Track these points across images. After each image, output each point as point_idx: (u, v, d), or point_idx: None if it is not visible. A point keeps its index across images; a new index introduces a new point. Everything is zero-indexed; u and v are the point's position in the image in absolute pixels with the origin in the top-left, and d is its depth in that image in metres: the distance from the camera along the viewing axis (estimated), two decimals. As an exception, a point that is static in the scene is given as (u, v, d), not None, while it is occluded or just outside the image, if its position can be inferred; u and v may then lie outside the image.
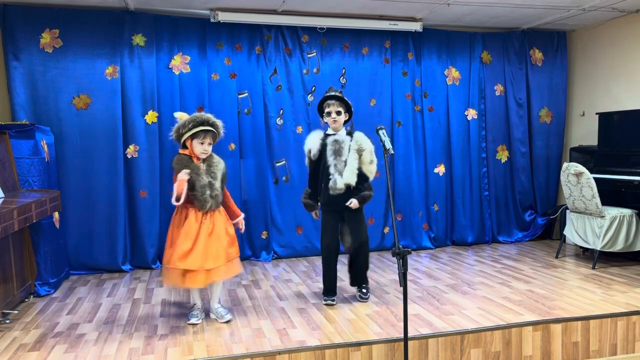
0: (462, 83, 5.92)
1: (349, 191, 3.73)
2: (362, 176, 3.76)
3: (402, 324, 3.33)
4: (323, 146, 3.79)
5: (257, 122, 5.36)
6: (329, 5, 5.02)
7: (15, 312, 3.67)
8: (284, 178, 5.47)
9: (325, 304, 3.85)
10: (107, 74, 4.90)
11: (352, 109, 3.86)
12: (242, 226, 3.72)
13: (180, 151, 3.49)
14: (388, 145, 3.33)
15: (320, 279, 4.57)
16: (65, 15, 4.79)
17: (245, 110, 5.34)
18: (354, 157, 3.73)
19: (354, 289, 4.12)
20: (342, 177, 3.70)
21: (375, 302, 3.89)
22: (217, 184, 3.45)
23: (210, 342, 3.15)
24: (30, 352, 3.07)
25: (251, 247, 5.44)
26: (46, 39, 4.76)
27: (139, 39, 4.97)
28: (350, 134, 3.82)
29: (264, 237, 5.43)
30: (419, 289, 4.24)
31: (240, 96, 5.32)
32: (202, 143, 3.40)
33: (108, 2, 4.77)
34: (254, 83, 5.34)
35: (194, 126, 3.38)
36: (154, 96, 5.02)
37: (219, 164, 3.52)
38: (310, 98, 5.49)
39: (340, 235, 3.92)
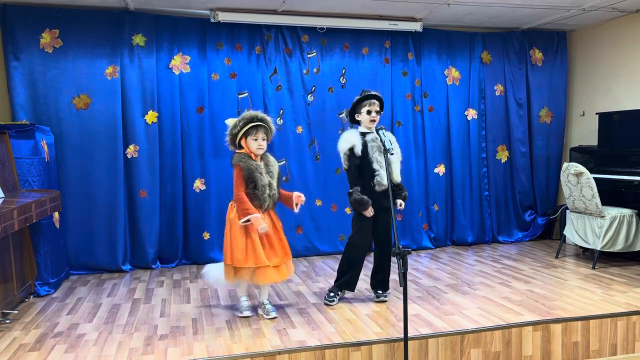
0: (462, 83, 5.93)
1: (389, 189, 3.73)
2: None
3: (402, 324, 3.32)
4: (364, 144, 3.79)
5: (257, 122, 5.35)
6: (329, 5, 5.02)
7: (15, 312, 3.67)
8: (284, 178, 5.46)
9: (325, 304, 3.84)
10: (107, 74, 4.90)
11: (383, 109, 3.97)
12: (302, 199, 3.66)
13: (237, 151, 3.55)
14: (388, 145, 3.34)
15: (320, 279, 4.58)
16: (65, 15, 4.79)
17: (245, 110, 5.33)
18: (395, 156, 3.76)
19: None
20: (391, 175, 3.68)
21: (375, 302, 3.89)
22: (275, 183, 3.55)
23: (210, 342, 3.15)
24: (30, 352, 3.07)
25: (251, 247, 5.44)
26: (46, 39, 4.76)
27: (139, 39, 4.98)
28: (377, 132, 3.80)
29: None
30: (419, 289, 4.24)
31: (240, 96, 5.32)
32: (255, 139, 3.48)
33: (108, 2, 4.77)
34: (254, 83, 5.34)
35: (245, 124, 3.47)
36: (154, 96, 5.02)
37: (275, 164, 3.63)
38: (310, 98, 5.49)
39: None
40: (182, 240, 5.21)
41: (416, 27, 5.50)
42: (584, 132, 6.07)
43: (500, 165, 6.09)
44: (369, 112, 3.82)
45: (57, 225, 4.53)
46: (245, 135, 3.48)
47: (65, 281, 4.68)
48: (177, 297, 4.13)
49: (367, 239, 3.86)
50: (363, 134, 3.84)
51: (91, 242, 4.93)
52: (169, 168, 5.14)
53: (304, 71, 5.48)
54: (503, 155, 6.09)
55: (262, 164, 3.53)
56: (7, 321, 3.53)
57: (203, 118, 5.19)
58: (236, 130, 3.49)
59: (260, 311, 3.67)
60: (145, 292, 4.32)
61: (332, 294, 3.89)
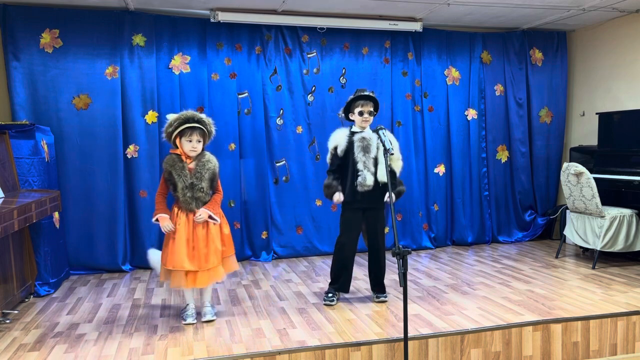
0: (462, 83, 5.92)
1: (376, 189, 3.74)
2: (391, 172, 3.77)
3: (402, 324, 3.33)
4: (350, 143, 3.79)
5: (257, 122, 5.36)
6: (329, 5, 5.02)
7: (15, 312, 3.67)
8: (284, 178, 5.47)
9: (325, 304, 3.84)
10: (107, 74, 4.90)
11: (379, 109, 3.93)
12: (198, 218, 3.40)
13: (171, 151, 3.47)
14: (388, 145, 3.34)
15: (320, 279, 4.58)
16: (65, 15, 4.79)
17: (245, 110, 5.34)
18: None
19: (353, 289, 4.13)
20: (376, 174, 3.71)
21: (375, 302, 3.89)
22: (203, 184, 3.42)
23: (210, 342, 3.15)
24: (30, 352, 3.07)
25: (251, 247, 5.44)
26: (46, 39, 4.76)
27: (139, 39, 4.98)
28: (376, 131, 3.81)
29: (264, 237, 5.43)
30: (419, 289, 4.24)
31: (240, 96, 5.32)
32: (189, 140, 3.38)
33: (108, 2, 4.77)
34: (254, 83, 5.34)
35: (180, 124, 3.36)
36: (154, 96, 5.02)
37: (208, 163, 3.47)
38: (310, 98, 5.49)
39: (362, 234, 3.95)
40: (182, 240, 5.21)
41: (416, 27, 5.50)
42: (584, 132, 6.07)
43: (500, 165, 6.09)
44: (360, 113, 3.80)
45: (57, 225, 4.53)
46: (180, 135, 3.37)
47: (65, 281, 4.68)
48: (177, 297, 4.13)
49: (353, 239, 3.84)
50: (352, 133, 3.83)
51: (91, 242, 4.93)
52: (168, 168, 5.13)
53: (304, 71, 5.47)
54: (503, 155, 6.09)
55: (192, 164, 3.42)
56: (7, 321, 3.52)
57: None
58: (170, 129, 3.40)
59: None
60: (145, 292, 4.32)
61: (330, 295, 3.88)
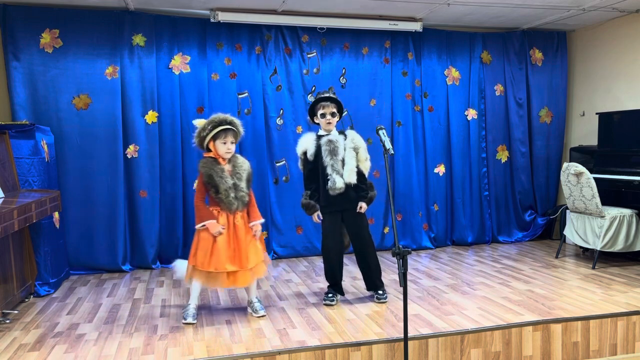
0: (462, 83, 5.92)
1: (349, 190, 3.74)
2: (359, 174, 3.79)
3: (402, 324, 3.33)
4: (318, 147, 3.79)
5: (257, 122, 5.36)
6: (329, 5, 5.02)
7: (15, 312, 3.67)
8: (284, 178, 5.47)
9: (325, 304, 3.84)
10: (107, 74, 4.90)
11: (343, 109, 3.92)
12: (258, 232, 3.62)
13: (205, 154, 3.54)
14: (388, 145, 3.34)
15: (321, 279, 4.58)
16: (65, 15, 4.79)
17: (245, 111, 5.34)
18: (352, 156, 3.76)
19: (353, 289, 4.12)
20: (343, 177, 3.72)
21: (375, 302, 3.89)
22: (242, 185, 3.52)
23: (210, 342, 3.15)
24: (30, 352, 3.07)
25: (251, 247, 5.44)
26: (46, 39, 4.76)
27: (139, 39, 4.98)
28: (342, 133, 3.85)
29: (264, 237, 5.43)
30: (419, 289, 4.24)
31: (240, 96, 5.32)
32: (224, 143, 3.47)
33: (108, 2, 4.77)
34: (254, 83, 5.34)
35: (214, 127, 3.45)
36: (154, 96, 5.02)
37: (244, 164, 3.59)
38: (310, 98, 5.49)
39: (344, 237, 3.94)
40: (182, 240, 5.21)
41: (416, 27, 5.50)
42: (584, 132, 6.07)
43: (500, 165, 6.09)
44: (323, 115, 3.79)
45: (57, 225, 4.53)
46: (214, 138, 3.46)
47: (65, 281, 4.68)
48: (177, 297, 4.13)
49: (336, 241, 3.85)
50: (319, 137, 3.83)
51: (91, 242, 4.93)
52: (169, 168, 5.14)
53: (304, 71, 5.48)
54: (503, 155, 6.09)
55: (228, 166, 3.51)
56: (7, 321, 3.53)
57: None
58: (205, 133, 3.47)
59: (249, 309, 3.69)
60: (145, 292, 4.32)
61: (330, 295, 3.88)
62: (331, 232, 3.83)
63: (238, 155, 3.63)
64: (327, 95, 3.82)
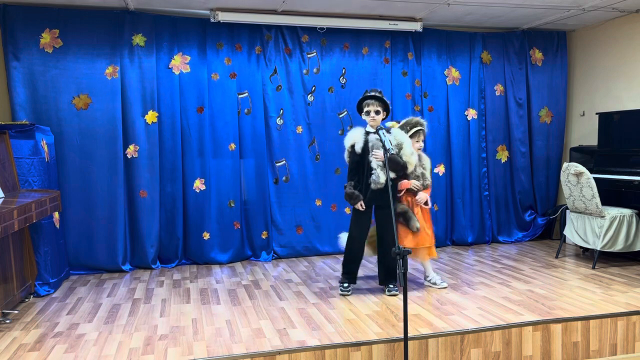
0: (462, 83, 5.92)
1: (386, 187, 3.80)
2: (404, 166, 3.99)
3: (402, 324, 3.32)
4: (365, 142, 3.95)
5: (257, 122, 5.36)
6: (329, 5, 5.02)
7: (15, 312, 3.67)
8: (284, 178, 5.47)
9: (341, 294, 4.00)
10: (107, 74, 4.90)
11: (390, 108, 4.11)
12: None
13: None
14: (388, 145, 3.37)
15: (321, 279, 4.59)
16: (65, 15, 4.79)
17: (245, 110, 5.34)
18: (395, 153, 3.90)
19: (353, 289, 4.13)
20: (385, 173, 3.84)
21: (375, 302, 3.89)
22: (427, 174, 4.29)
23: (210, 342, 3.15)
24: (30, 352, 3.07)
25: (251, 247, 5.44)
26: (46, 39, 4.76)
27: (139, 39, 4.97)
28: (388, 130, 3.98)
29: (264, 237, 5.43)
30: (419, 289, 4.24)
31: (240, 96, 5.32)
32: (417, 141, 4.17)
33: (108, 2, 4.77)
34: (254, 83, 5.34)
35: (412, 127, 4.14)
36: (154, 96, 5.02)
37: (427, 159, 4.35)
38: (310, 98, 5.49)
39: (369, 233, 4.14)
40: (182, 240, 5.21)
41: (416, 27, 5.49)
42: (584, 132, 6.07)
43: (500, 165, 6.09)
44: (367, 113, 3.97)
45: (57, 225, 4.53)
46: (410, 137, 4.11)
47: (65, 281, 4.68)
48: (177, 297, 4.13)
49: (363, 233, 4.04)
50: (367, 133, 3.99)
51: (91, 242, 4.93)
52: (169, 168, 5.14)
53: (304, 71, 5.47)
54: (503, 155, 6.09)
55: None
56: (7, 321, 3.53)
57: (203, 118, 5.19)
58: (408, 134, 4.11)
59: (427, 283, 4.26)
60: (145, 292, 4.32)
61: (346, 284, 4.05)
62: (360, 222, 4.02)
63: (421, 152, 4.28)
64: (372, 93, 3.98)
